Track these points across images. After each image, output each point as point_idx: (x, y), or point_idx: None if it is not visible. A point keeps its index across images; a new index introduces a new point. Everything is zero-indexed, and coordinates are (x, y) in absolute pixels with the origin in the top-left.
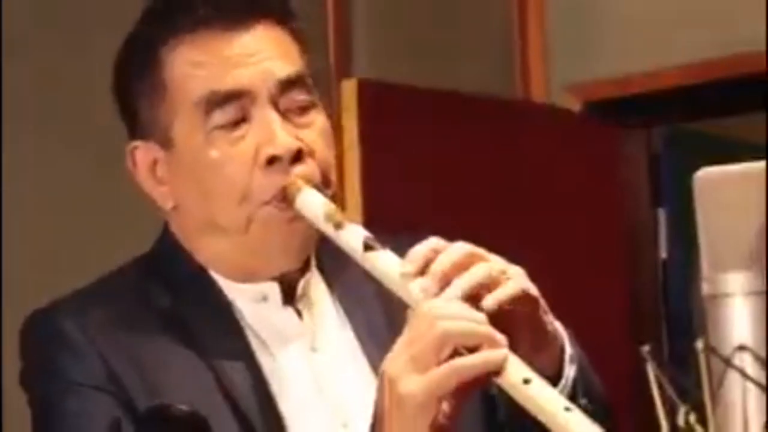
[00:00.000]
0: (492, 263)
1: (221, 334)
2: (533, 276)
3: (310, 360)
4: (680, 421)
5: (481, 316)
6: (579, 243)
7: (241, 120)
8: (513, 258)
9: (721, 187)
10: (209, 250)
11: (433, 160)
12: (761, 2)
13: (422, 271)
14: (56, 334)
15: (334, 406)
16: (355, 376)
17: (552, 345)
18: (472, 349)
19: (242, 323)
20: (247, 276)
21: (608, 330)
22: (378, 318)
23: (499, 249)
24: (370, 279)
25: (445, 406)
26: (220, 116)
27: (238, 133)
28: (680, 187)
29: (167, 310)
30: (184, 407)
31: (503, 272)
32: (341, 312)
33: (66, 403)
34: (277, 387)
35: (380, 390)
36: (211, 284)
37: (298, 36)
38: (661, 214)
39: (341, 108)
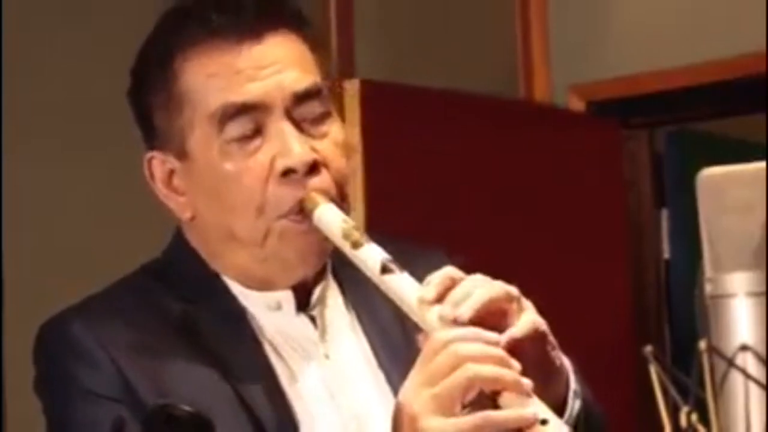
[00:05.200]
0: (507, 291)
1: (235, 341)
2: (534, 275)
3: (323, 367)
4: (683, 421)
5: (505, 355)
6: (582, 243)
7: (256, 132)
8: (513, 258)
9: (724, 187)
10: (226, 260)
11: (435, 160)
12: (763, 4)
13: (440, 298)
14: (70, 343)
15: (347, 414)
16: (368, 384)
17: (558, 380)
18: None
19: (256, 330)
20: (262, 285)
21: (611, 330)
22: (392, 327)
23: (499, 250)
24: (385, 300)
25: None
26: (234, 128)
27: (252, 145)
28: (683, 187)
29: (179, 317)
30: (187, 407)
31: (519, 303)
32: (355, 320)
33: (79, 412)
34: (291, 393)
35: (397, 422)
36: (225, 291)
37: (314, 44)
38: (664, 214)
39: (344, 109)
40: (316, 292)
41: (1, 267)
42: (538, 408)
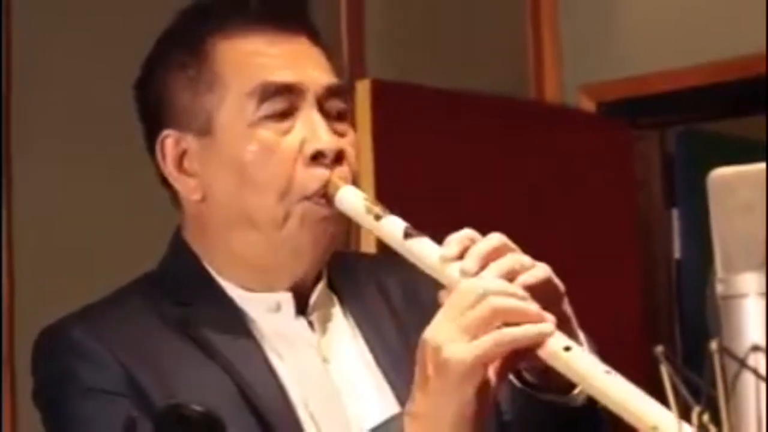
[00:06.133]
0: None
1: (237, 344)
2: None
3: (323, 370)
4: (694, 421)
5: (526, 294)
6: (592, 243)
7: (289, 114)
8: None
9: (735, 187)
10: (230, 250)
11: (446, 160)
12: None
13: (461, 255)
14: (71, 345)
15: (347, 415)
16: (369, 387)
17: None
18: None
19: (256, 333)
20: (262, 280)
21: (622, 330)
22: (391, 335)
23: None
24: (407, 267)
25: (491, 375)
26: (269, 107)
27: (284, 125)
28: (694, 187)
29: (179, 321)
30: (198, 407)
31: (533, 264)
32: (354, 326)
33: (84, 409)
34: (293, 395)
35: (421, 358)
36: (223, 295)
37: (329, 55)
38: (675, 215)
39: (355, 109)
40: (314, 295)
41: (12, 268)
42: (559, 338)
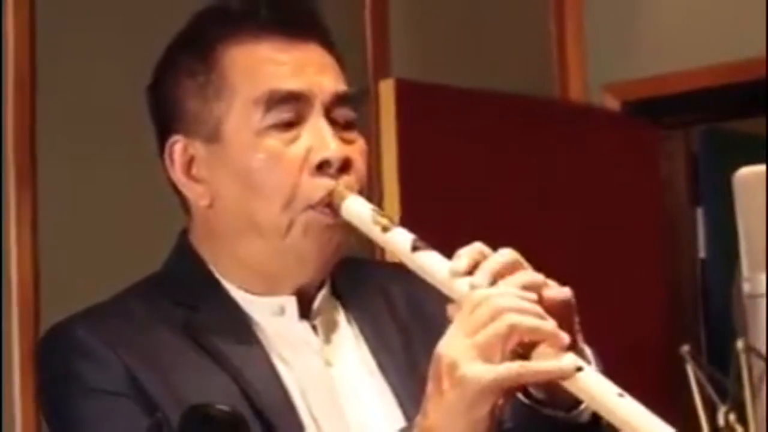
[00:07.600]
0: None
1: (240, 345)
2: (571, 274)
3: (326, 373)
4: (720, 420)
5: (542, 311)
6: (617, 242)
7: (295, 122)
8: (550, 257)
9: (761, 186)
10: (236, 254)
11: (470, 160)
12: None
13: (471, 270)
14: (76, 344)
15: (350, 419)
16: (371, 390)
17: None
18: (529, 342)
19: (260, 335)
20: (267, 285)
21: (647, 330)
22: (394, 341)
23: (536, 249)
24: (416, 280)
25: (500, 400)
26: (276, 115)
27: (290, 134)
28: (719, 186)
29: (183, 323)
30: (224, 407)
31: (546, 282)
32: (357, 332)
33: (87, 409)
34: (296, 398)
35: (435, 372)
36: (227, 298)
37: (341, 64)
38: (700, 214)
39: (379, 108)
40: (318, 301)
41: (37, 267)
42: (569, 356)
